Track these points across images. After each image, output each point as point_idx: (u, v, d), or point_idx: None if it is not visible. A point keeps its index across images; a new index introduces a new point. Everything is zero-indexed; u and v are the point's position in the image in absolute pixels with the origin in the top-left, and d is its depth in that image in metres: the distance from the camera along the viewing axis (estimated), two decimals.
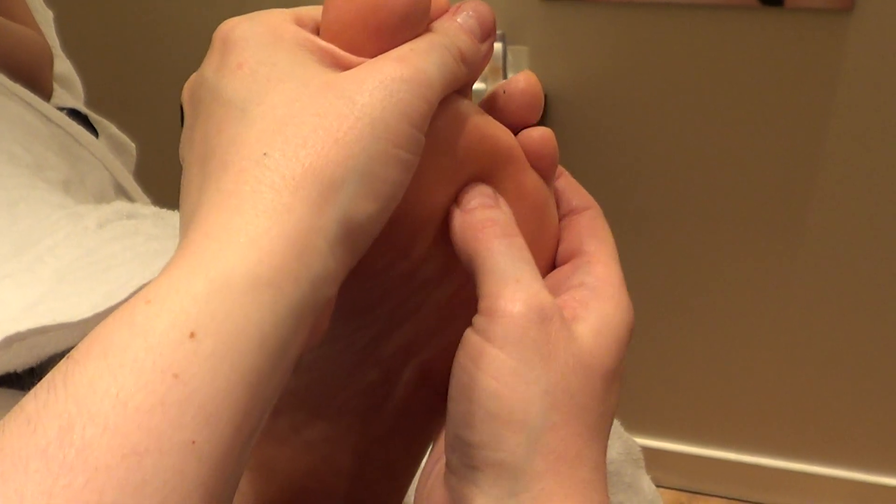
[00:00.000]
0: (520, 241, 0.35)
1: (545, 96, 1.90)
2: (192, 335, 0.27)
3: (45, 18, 1.19)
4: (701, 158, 1.76)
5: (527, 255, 0.35)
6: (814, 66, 1.64)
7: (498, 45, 1.78)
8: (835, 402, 1.85)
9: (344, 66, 0.33)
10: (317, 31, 0.34)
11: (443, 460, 0.35)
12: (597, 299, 0.36)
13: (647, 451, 0.68)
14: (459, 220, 0.36)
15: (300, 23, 0.34)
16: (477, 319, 0.34)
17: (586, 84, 1.79)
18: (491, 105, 0.37)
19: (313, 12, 0.35)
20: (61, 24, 1.24)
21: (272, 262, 0.28)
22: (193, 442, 0.26)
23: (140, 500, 0.25)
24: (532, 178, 0.37)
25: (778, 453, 1.92)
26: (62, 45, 1.21)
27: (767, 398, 1.88)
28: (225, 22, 0.34)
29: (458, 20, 0.35)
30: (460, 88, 0.35)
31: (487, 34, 0.36)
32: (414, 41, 0.34)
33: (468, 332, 0.34)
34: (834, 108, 1.66)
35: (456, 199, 0.36)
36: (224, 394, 0.27)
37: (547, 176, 0.38)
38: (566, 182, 0.40)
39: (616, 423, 0.63)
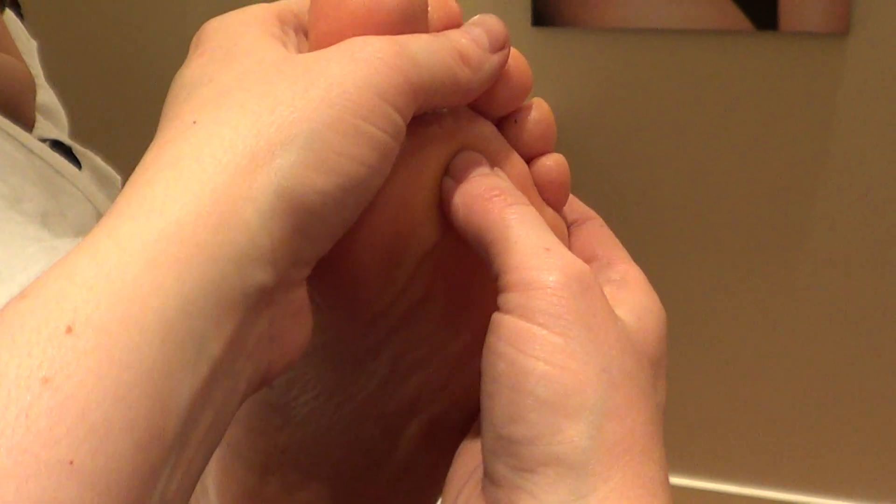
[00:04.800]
0: (533, 210, 0.31)
1: None
2: (68, 329, 0.22)
3: (29, 48, 1.17)
4: (697, 184, 1.75)
5: (545, 223, 0.31)
6: (810, 90, 1.63)
7: None
8: (844, 434, 1.83)
9: None
10: (300, 27, 0.32)
11: (477, 474, 0.31)
12: (629, 291, 0.32)
13: None
14: (460, 192, 0.31)
15: (281, 18, 0.31)
16: (506, 297, 0.29)
17: (579, 110, 1.78)
18: (501, 133, 0.35)
19: (294, 6, 0.32)
20: (46, 54, 1.22)
21: (179, 235, 0.23)
22: (71, 462, 0.21)
23: None
24: (547, 216, 0.35)
25: (785, 486, 1.90)
26: (46, 76, 1.18)
27: (774, 430, 1.86)
28: (204, 24, 0.31)
29: (462, 28, 0.33)
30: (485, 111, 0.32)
31: (497, 46, 0.33)
32: None
33: (499, 315, 0.29)
34: (831, 131, 1.65)
35: (447, 170, 0.32)
36: (116, 400, 0.21)
37: (559, 206, 0.36)
38: None
39: None
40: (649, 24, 1.68)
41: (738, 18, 1.62)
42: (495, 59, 0.32)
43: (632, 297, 0.32)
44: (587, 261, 0.34)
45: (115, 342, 0.22)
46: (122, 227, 0.24)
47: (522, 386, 0.28)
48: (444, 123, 0.32)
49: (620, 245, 0.36)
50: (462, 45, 0.31)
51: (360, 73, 0.27)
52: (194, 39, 0.31)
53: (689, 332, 1.81)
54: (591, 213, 0.37)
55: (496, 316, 0.30)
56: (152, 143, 0.27)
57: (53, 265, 0.23)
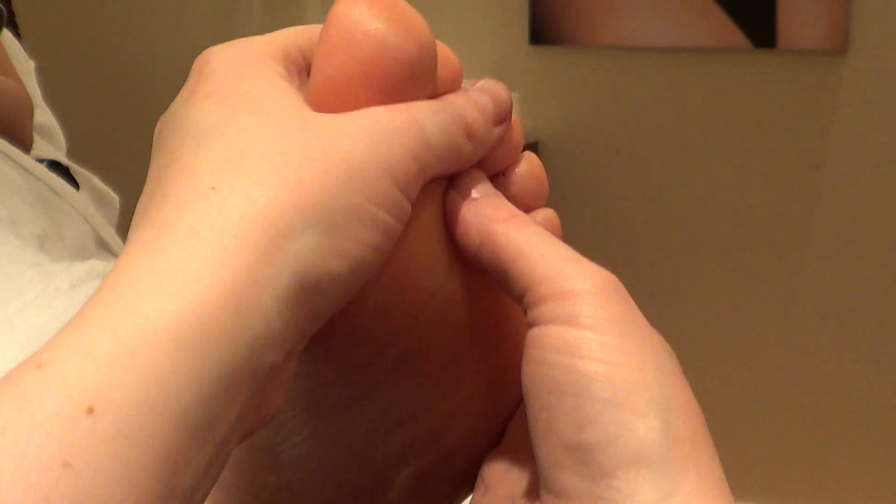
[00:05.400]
0: (548, 231, 0.31)
1: (535, 143, 1.90)
2: (90, 410, 0.22)
3: (27, 68, 1.17)
4: (694, 203, 1.75)
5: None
6: (807, 107, 1.63)
7: None
8: (841, 449, 1.82)
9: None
10: (305, 66, 0.31)
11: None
12: None
13: None
14: (473, 213, 0.31)
15: (287, 57, 0.30)
16: (543, 309, 0.29)
17: (576, 129, 1.78)
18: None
19: (302, 41, 0.31)
20: (43, 75, 1.22)
21: (200, 318, 0.23)
22: None
23: None
24: None
25: (778, 500, 1.90)
26: (44, 96, 1.18)
27: (771, 446, 1.86)
28: (205, 50, 0.30)
29: (471, 94, 0.32)
30: (469, 175, 0.32)
31: (502, 118, 0.32)
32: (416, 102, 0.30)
33: (539, 329, 0.29)
34: (827, 149, 1.65)
35: (453, 183, 0.32)
36: (130, 486, 0.21)
37: None
38: None
39: None
40: (647, 42, 1.68)
41: (737, 36, 1.63)
42: (497, 132, 0.32)
43: None
44: None
45: (134, 427, 0.22)
46: (143, 306, 0.23)
47: (586, 391, 0.27)
48: (434, 181, 0.31)
49: None
50: (470, 117, 0.31)
51: (380, 158, 0.27)
52: (195, 68, 0.30)
53: (686, 346, 1.81)
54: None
55: (535, 331, 0.29)
56: (162, 198, 0.26)
57: (71, 334, 0.23)
